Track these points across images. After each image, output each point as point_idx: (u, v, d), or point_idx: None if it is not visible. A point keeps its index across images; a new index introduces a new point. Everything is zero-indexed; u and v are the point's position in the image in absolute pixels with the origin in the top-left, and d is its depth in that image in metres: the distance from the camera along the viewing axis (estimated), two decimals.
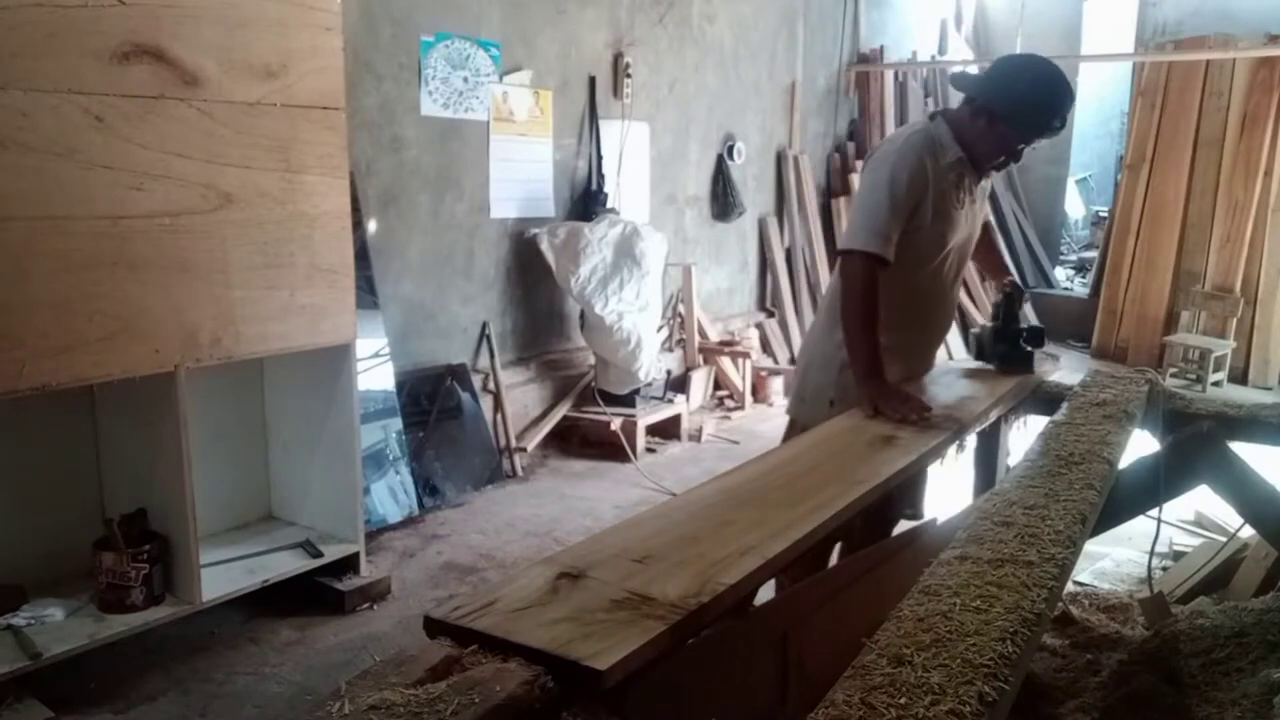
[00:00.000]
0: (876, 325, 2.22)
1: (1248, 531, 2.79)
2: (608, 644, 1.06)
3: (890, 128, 7.64)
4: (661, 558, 1.31)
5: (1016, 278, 2.66)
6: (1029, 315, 2.84)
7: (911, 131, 2.38)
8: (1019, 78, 2.24)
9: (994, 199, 8.44)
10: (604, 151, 5.24)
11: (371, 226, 4.10)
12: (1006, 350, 2.57)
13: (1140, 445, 2.36)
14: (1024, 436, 2.51)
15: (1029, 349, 2.59)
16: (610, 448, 4.90)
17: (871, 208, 2.25)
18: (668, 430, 5.26)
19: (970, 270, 8.01)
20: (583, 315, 4.92)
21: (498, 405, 4.69)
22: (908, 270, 2.30)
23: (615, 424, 4.86)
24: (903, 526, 2.44)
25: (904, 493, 2.31)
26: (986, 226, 2.67)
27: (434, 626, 1.14)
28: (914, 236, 2.29)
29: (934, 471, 2.13)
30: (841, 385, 2.36)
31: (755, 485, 1.67)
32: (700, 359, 5.88)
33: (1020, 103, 2.21)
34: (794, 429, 2.52)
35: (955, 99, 2.43)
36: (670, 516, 1.51)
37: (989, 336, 2.62)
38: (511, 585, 1.23)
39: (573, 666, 1.02)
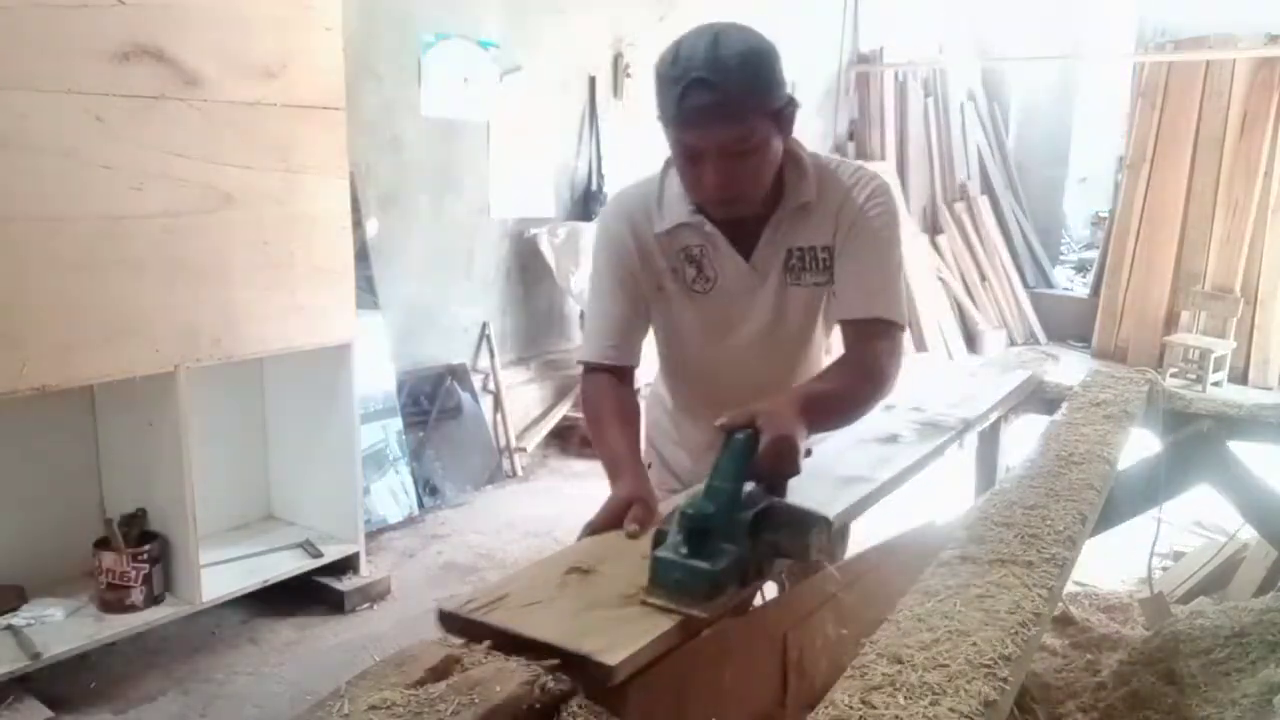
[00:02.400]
0: (605, 434, 1.61)
1: (1248, 531, 2.79)
2: (618, 638, 1.06)
3: (890, 128, 7.64)
4: None
5: (799, 442, 1.28)
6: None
7: (628, 188, 1.70)
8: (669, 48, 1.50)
9: (994, 199, 8.44)
10: (604, 151, 5.24)
11: (371, 226, 4.10)
12: (663, 564, 1.16)
13: (1140, 445, 2.36)
14: (1024, 436, 2.51)
15: (713, 569, 1.14)
16: None
17: (590, 306, 1.71)
18: None
19: (971, 270, 7.99)
20: (583, 315, 4.92)
21: (498, 405, 4.69)
22: (668, 366, 1.81)
23: None
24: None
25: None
26: (861, 364, 1.55)
27: (447, 619, 1.14)
28: (653, 328, 1.71)
29: (931, 472, 2.12)
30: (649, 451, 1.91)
31: None
32: None
33: (657, 78, 1.49)
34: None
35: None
36: None
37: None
38: (522, 580, 1.23)
39: (584, 661, 1.02)
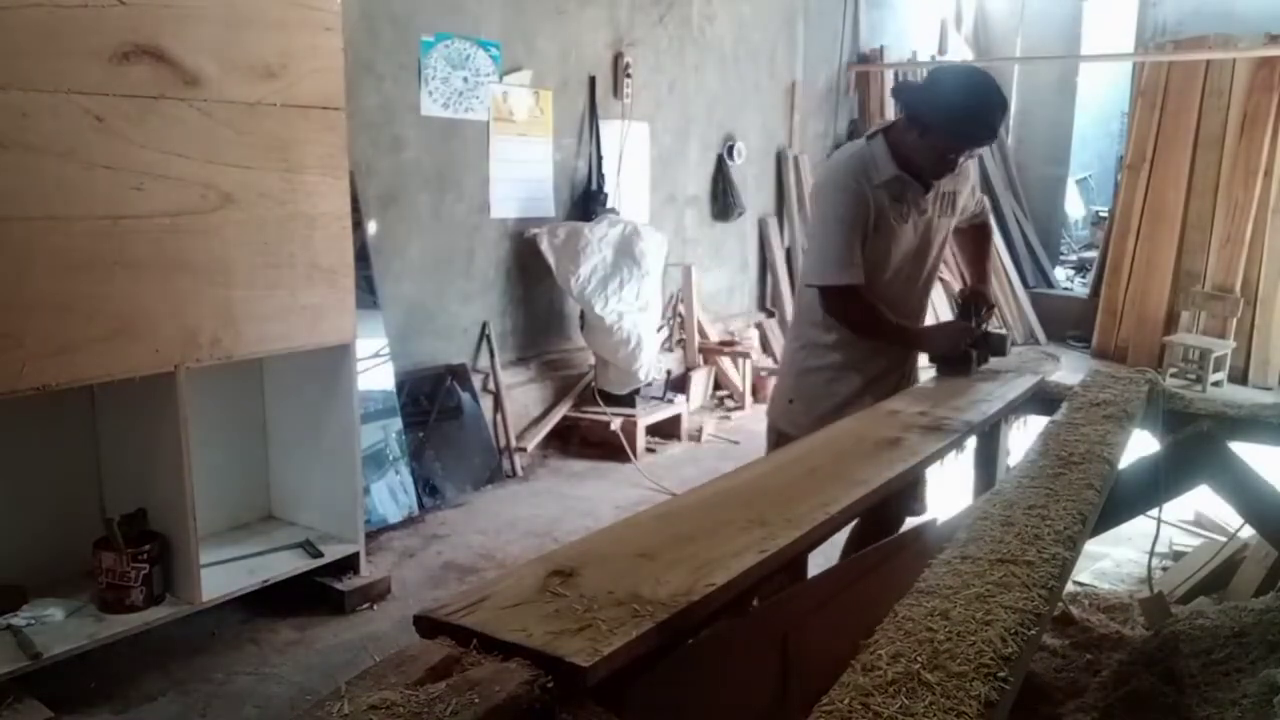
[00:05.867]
0: (889, 323, 2.41)
1: (1248, 531, 2.79)
2: (594, 641, 1.06)
3: None
4: (655, 556, 1.31)
5: (990, 290, 2.67)
6: (1002, 327, 2.91)
7: (847, 156, 2.45)
8: (952, 88, 2.26)
9: (994, 199, 8.45)
10: (604, 151, 5.24)
11: (371, 226, 4.10)
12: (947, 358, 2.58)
13: (1140, 445, 2.36)
14: (1024, 436, 2.51)
15: (971, 351, 2.56)
16: (610, 448, 4.90)
17: (829, 240, 2.38)
18: (668, 430, 5.26)
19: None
20: (583, 315, 4.92)
21: (498, 405, 4.69)
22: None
23: (615, 424, 4.85)
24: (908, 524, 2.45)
25: (908, 491, 2.33)
26: (977, 230, 2.74)
27: (424, 623, 1.14)
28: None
29: (934, 471, 2.13)
30: (798, 387, 2.53)
31: (756, 485, 1.67)
32: (700, 359, 5.88)
33: (950, 112, 2.23)
34: (768, 428, 2.63)
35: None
36: (667, 516, 1.51)
37: None
38: (504, 582, 1.23)
39: (557, 663, 1.03)
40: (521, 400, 4.91)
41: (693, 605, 1.17)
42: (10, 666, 2.44)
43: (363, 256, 3.83)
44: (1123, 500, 2.25)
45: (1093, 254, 9.13)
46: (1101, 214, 10.15)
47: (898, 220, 2.37)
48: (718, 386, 6.07)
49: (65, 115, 2.35)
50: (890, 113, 7.65)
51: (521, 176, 4.84)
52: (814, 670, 1.58)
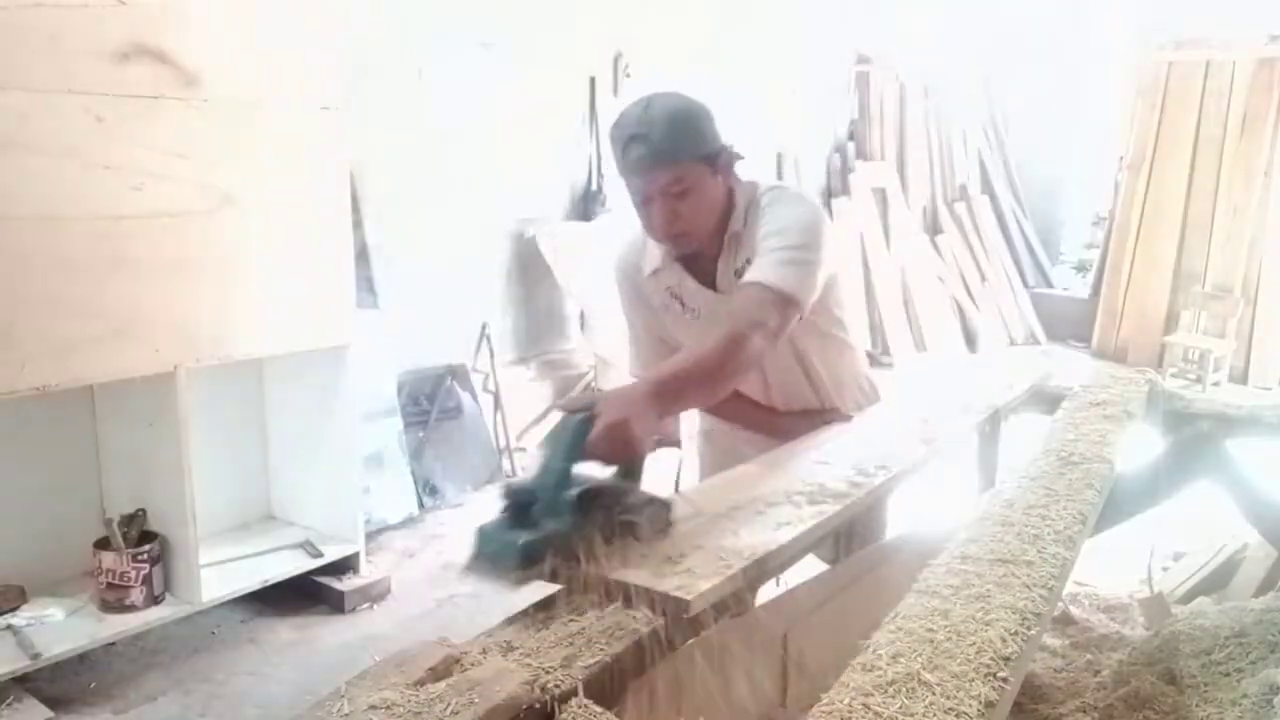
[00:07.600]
0: None
1: (1248, 531, 2.79)
2: (692, 580, 1.20)
3: (890, 128, 7.64)
4: (731, 516, 1.43)
5: (639, 419, 1.30)
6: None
7: (622, 244, 1.96)
8: None
9: (994, 199, 8.45)
10: (604, 151, 5.24)
11: (371, 227, 4.10)
12: (480, 534, 1.19)
13: (1140, 445, 2.36)
14: (1024, 436, 2.51)
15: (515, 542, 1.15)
16: None
17: (628, 340, 2.01)
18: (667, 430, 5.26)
19: (971, 270, 8.00)
20: (583, 315, 4.92)
21: (498, 405, 4.69)
22: None
23: None
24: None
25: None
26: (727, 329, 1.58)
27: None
28: None
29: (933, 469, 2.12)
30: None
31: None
32: None
33: (610, 142, 1.77)
34: None
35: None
36: (731, 482, 1.63)
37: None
38: None
39: (665, 598, 1.16)
40: (521, 400, 4.91)
41: (769, 554, 1.31)
42: (10, 666, 2.45)
43: (363, 256, 3.83)
44: (1123, 500, 2.25)
45: (1093, 254, 9.13)
46: (1101, 214, 10.15)
47: (680, 316, 1.85)
48: None
49: (65, 115, 2.35)
50: (891, 113, 7.65)
51: (521, 177, 4.84)
52: (814, 670, 1.58)
